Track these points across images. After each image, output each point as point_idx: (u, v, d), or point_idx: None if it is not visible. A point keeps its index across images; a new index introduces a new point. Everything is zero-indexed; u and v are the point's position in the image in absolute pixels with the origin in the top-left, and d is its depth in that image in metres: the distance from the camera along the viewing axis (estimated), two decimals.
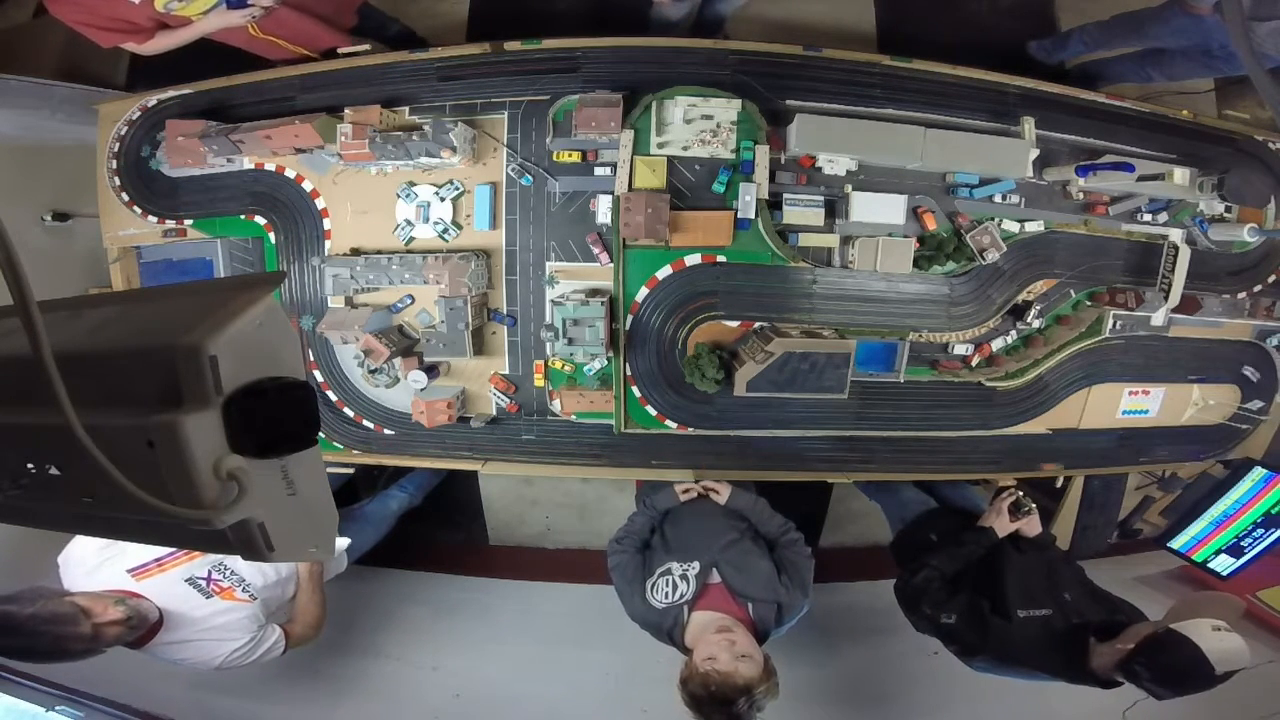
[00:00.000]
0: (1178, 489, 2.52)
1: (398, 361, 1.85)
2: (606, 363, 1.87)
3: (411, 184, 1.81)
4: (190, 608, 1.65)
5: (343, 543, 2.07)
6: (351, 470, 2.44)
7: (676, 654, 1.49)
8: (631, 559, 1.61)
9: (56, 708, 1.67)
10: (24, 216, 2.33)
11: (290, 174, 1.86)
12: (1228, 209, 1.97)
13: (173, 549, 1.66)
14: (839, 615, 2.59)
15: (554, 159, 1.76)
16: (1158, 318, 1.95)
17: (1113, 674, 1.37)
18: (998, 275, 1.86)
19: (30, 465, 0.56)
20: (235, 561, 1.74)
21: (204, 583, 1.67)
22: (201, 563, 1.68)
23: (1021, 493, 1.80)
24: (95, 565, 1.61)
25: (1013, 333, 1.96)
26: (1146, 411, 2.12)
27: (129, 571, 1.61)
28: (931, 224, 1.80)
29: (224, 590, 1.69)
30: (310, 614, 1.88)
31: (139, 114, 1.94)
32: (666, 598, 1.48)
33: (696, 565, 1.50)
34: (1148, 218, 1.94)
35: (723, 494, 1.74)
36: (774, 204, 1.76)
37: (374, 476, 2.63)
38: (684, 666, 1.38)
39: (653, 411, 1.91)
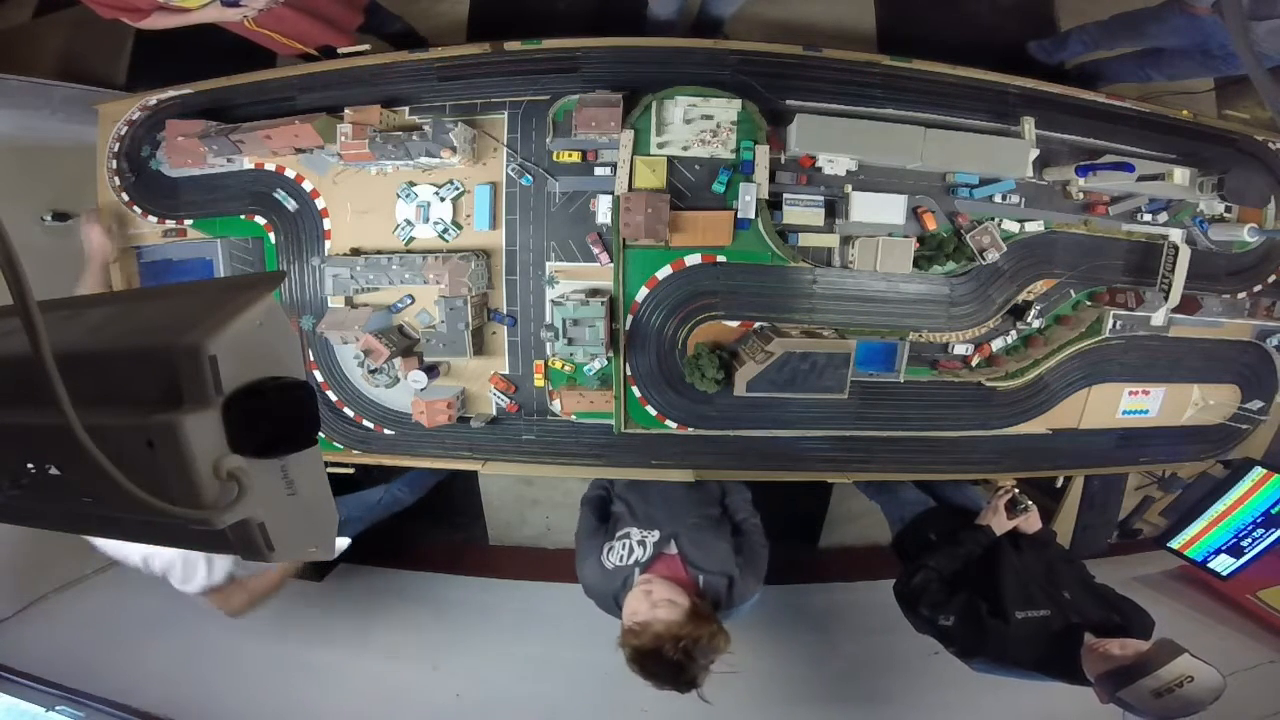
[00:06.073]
0: (1178, 489, 2.52)
1: (398, 361, 1.85)
2: (606, 363, 1.87)
3: (411, 184, 1.81)
4: None
5: (343, 543, 2.06)
6: (351, 470, 2.45)
7: None
8: (594, 522, 1.62)
9: (56, 708, 1.67)
10: (24, 216, 2.33)
11: (290, 174, 1.86)
12: (1228, 209, 1.97)
13: None
14: (839, 615, 2.59)
15: (554, 159, 1.76)
16: (1158, 318, 1.95)
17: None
18: (998, 275, 1.86)
19: (30, 465, 0.56)
20: None
21: None
22: None
23: (1018, 490, 1.80)
24: None
25: (1013, 333, 1.96)
26: (1146, 411, 2.12)
27: None
28: (931, 224, 1.80)
29: None
30: (260, 590, 1.81)
31: (139, 114, 1.94)
32: (621, 560, 1.49)
33: (656, 534, 1.52)
34: (1148, 218, 1.94)
35: None
36: (774, 204, 1.76)
37: (374, 477, 2.63)
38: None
39: (653, 411, 1.91)
